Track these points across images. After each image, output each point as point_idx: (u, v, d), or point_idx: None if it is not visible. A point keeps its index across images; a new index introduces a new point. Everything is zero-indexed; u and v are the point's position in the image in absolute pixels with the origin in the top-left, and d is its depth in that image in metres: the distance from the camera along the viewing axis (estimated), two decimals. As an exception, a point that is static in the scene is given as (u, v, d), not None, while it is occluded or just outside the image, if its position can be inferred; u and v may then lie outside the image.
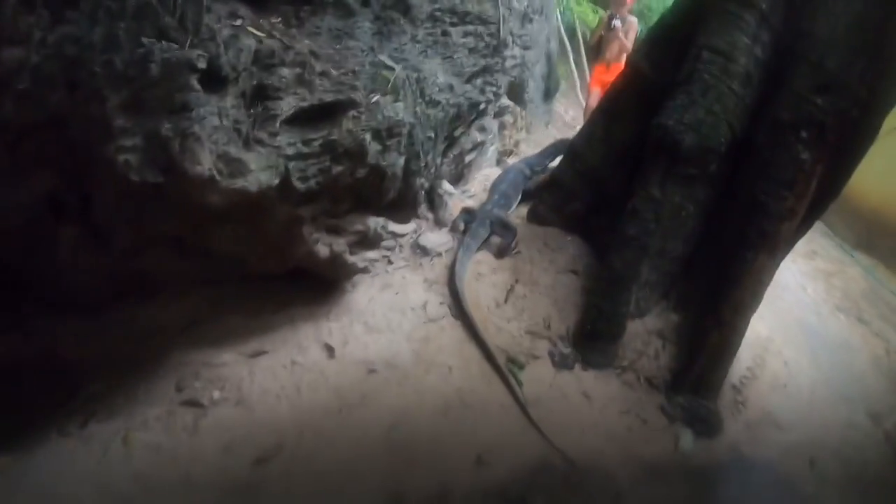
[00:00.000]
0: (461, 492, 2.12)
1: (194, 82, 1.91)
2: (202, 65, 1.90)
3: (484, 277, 3.00)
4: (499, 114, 3.67)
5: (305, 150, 2.21)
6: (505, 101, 3.69)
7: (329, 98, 2.30)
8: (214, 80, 1.97)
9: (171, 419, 2.13)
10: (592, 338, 2.78)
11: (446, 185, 3.27)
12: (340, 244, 2.54)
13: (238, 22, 2.13)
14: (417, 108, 2.65)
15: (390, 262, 2.95)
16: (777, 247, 2.70)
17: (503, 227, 3.12)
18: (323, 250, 2.47)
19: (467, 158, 3.37)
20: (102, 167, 1.93)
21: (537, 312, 2.89)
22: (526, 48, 3.71)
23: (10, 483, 1.87)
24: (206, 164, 1.93)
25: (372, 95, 2.44)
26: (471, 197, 3.45)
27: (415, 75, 2.67)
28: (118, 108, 1.86)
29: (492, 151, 3.63)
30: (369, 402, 2.36)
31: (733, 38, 2.68)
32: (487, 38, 3.18)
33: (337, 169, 2.31)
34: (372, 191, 2.52)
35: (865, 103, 2.61)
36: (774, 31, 2.73)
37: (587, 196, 3.17)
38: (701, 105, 2.68)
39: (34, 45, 1.85)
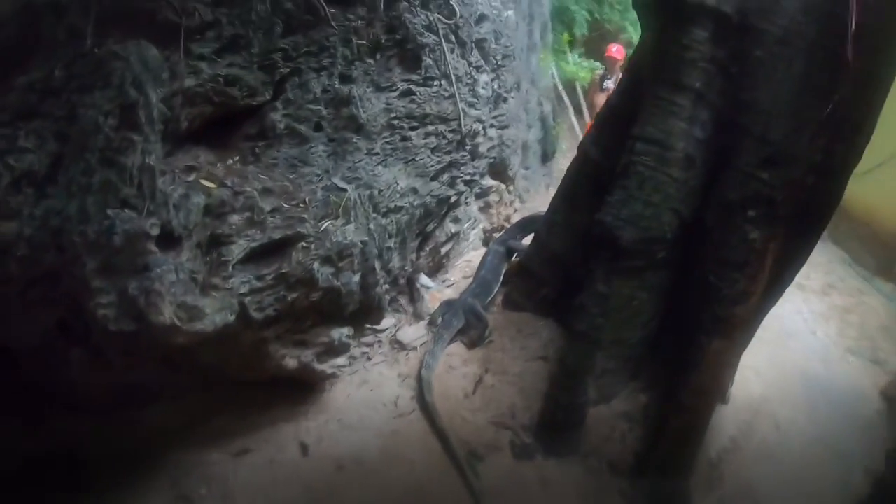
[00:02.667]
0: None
1: (151, 246, 2.39)
2: (156, 232, 2.38)
3: (455, 370, 3.37)
4: (482, 195, 4.03)
5: (259, 284, 2.67)
6: (488, 181, 4.04)
7: (278, 235, 2.75)
8: (169, 239, 2.45)
9: (164, 513, 2.68)
10: (553, 427, 3.07)
11: (423, 279, 3.67)
12: (308, 355, 2.98)
13: (192, 176, 2.62)
14: (371, 225, 3.05)
15: (369, 359, 3.37)
16: (733, 330, 2.89)
17: (476, 318, 3.46)
18: (291, 363, 2.92)
19: (443, 250, 3.75)
20: (88, 315, 2.52)
21: (503, 402, 3.22)
22: (503, 127, 4.03)
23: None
24: (167, 314, 2.40)
25: (322, 223, 2.87)
26: (451, 286, 3.83)
27: (367, 192, 3.07)
28: (94, 272, 2.35)
29: (473, 236, 3.99)
30: (335, 498, 2.79)
31: (667, 125, 2.89)
32: (450, 135, 3.55)
33: (292, 296, 2.75)
34: (332, 307, 2.93)
35: (822, 168, 2.72)
36: (714, 107, 2.90)
37: (555, 282, 3.47)
38: (638, 198, 2.92)
39: (25, 219, 2.36)
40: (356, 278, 2.94)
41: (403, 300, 3.62)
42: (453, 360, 3.40)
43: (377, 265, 3.08)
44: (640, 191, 2.92)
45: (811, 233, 2.91)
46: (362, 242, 2.95)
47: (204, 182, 2.64)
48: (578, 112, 5.67)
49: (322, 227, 2.83)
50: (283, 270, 2.72)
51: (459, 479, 2.88)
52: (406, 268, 3.48)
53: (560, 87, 5.36)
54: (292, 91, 2.98)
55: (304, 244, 2.77)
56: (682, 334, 3.04)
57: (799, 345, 3.96)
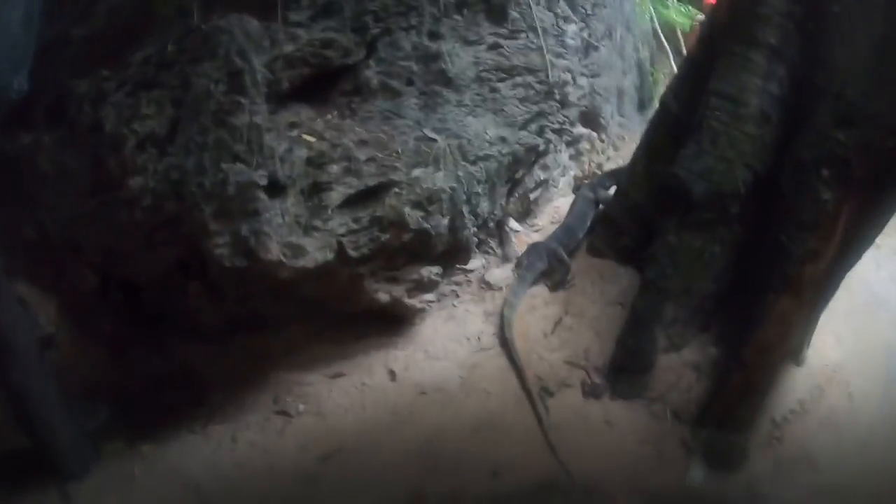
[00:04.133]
0: (472, 497, 2.90)
1: (260, 194, 2.85)
2: (264, 182, 2.84)
3: (536, 310, 3.64)
4: (573, 143, 4.21)
5: (355, 226, 3.09)
6: (579, 129, 4.20)
7: (373, 182, 3.16)
8: (275, 188, 2.91)
9: (266, 424, 3.21)
10: (622, 370, 3.31)
11: (512, 223, 3.94)
12: (399, 291, 3.37)
13: (294, 132, 3.04)
14: (459, 172, 3.36)
15: (458, 297, 3.71)
16: (801, 289, 2.97)
17: (558, 262, 3.70)
18: (383, 297, 3.32)
19: (532, 196, 3.98)
20: (206, 254, 3.06)
21: (579, 343, 3.48)
22: (594, 76, 4.16)
23: (150, 464, 3.07)
24: (274, 252, 2.87)
25: (413, 170, 3.23)
26: (538, 231, 4.06)
27: (456, 142, 3.37)
28: (211, 216, 2.84)
29: (563, 183, 4.18)
30: (415, 419, 3.20)
31: (741, 81, 2.97)
32: (538, 86, 3.75)
33: (385, 237, 3.15)
34: (421, 248, 3.31)
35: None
36: (790, 64, 2.95)
37: (635, 231, 3.64)
38: (711, 153, 3.05)
39: (149, 174, 2.87)
40: (445, 221, 3.28)
41: (493, 243, 3.90)
42: (536, 301, 3.67)
43: (465, 209, 3.39)
44: (714, 146, 3.03)
45: (887, 199, 2.89)
46: (451, 188, 3.27)
47: (305, 136, 3.06)
48: (680, 58, 5.60)
49: (413, 175, 3.19)
50: (377, 214, 3.11)
51: (530, 412, 3.20)
52: (495, 212, 3.76)
53: (659, 32, 5.33)
54: (384, 49, 3.33)
55: (397, 190, 3.14)
56: (753, 291, 3.15)
57: (889, 315, 3.84)
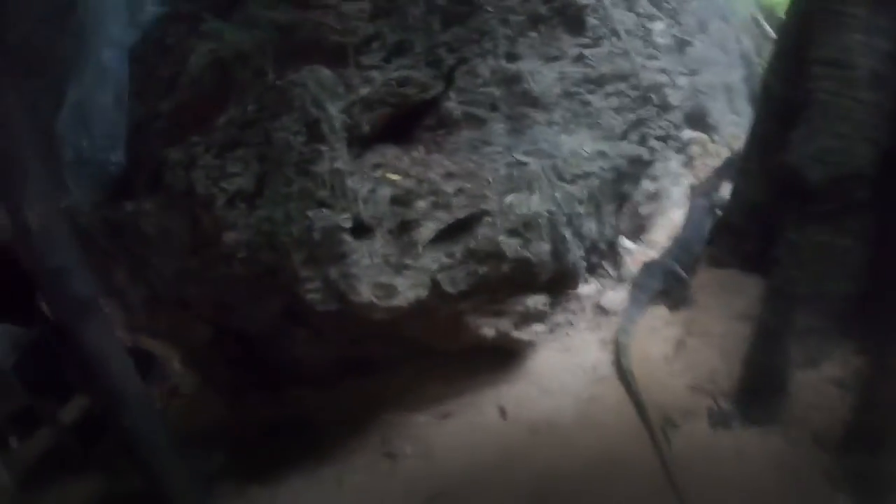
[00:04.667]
0: (587, 541, 2.72)
1: (346, 237, 2.87)
2: (348, 224, 2.86)
3: (656, 332, 3.40)
4: (682, 149, 3.94)
5: (449, 261, 3.03)
6: (686, 133, 3.94)
7: (463, 214, 3.09)
8: (362, 229, 2.92)
9: (373, 466, 3.21)
10: (752, 393, 2.97)
11: (625, 242, 3.73)
12: (505, 324, 3.26)
13: (378, 172, 3.07)
14: (557, 193, 3.24)
15: (572, 325, 3.56)
16: None
17: (675, 279, 3.46)
18: (489, 332, 3.23)
19: (643, 210, 3.76)
20: (300, 300, 3.11)
21: (705, 366, 3.18)
22: (694, 74, 3.89)
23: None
24: (364, 294, 2.87)
25: (506, 197, 3.14)
26: (654, 247, 3.82)
27: (550, 163, 3.26)
28: (301, 263, 2.90)
29: (677, 193, 3.92)
30: (527, 458, 3.03)
31: (842, 41, 2.61)
32: (632, 92, 3.57)
33: (483, 269, 3.06)
34: (525, 277, 3.19)
35: None
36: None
37: (757, 234, 3.29)
38: (823, 130, 2.70)
39: (241, 228, 2.99)
40: (546, 247, 3.15)
41: (606, 265, 3.72)
42: (655, 323, 3.44)
43: (568, 232, 3.25)
44: (825, 122, 2.68)
45: None
46: (548, 212, 3.15)
47: (389, 175, 3.07)
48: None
49: (506, 202, 3.10)
50: (472, 246, 3.04)
51: (651, 446, 2.95)
52: (605, 232, 3.59)
53: (761, 19, 4.91)
54: (462, 79, 3.30)
55: (489, 219, 3.06)
56: None
57: None
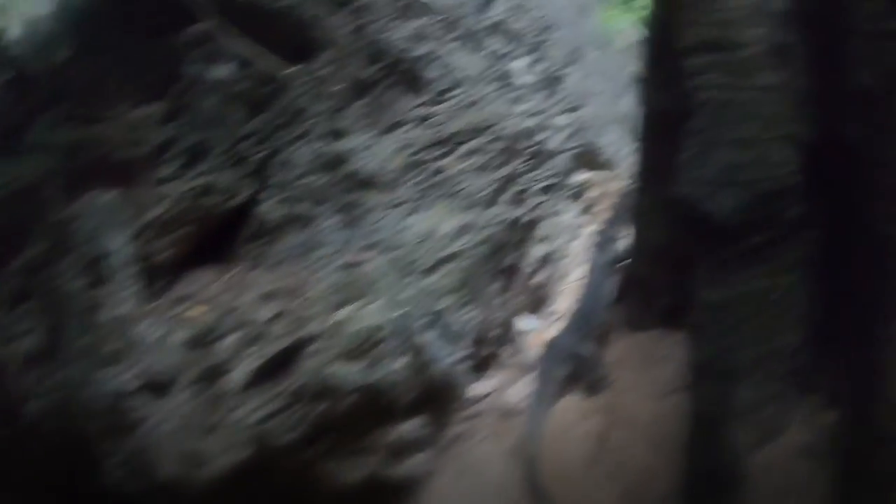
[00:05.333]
0: None
1: (138, 399, 2.36)
2: (136, 383, 2.35)
3: (572, 429, 2.76)
4: (575, 196, 3.39)
5: (276, 405, 2.43)
6: (578, 177, 3.40)
7: (283, 344, 2.51)
8: (157, 387, 2.39)
9: None
10: (700, 497, 2.32)
11: (522, 321, 3.13)
12: (373, 462, 2.62)
13: (178, 309, 2.55)
14: (407, 293, 2.65)
15: (467, 439, 2.93)
16: None
17: (581, 360, 2.85)
18: (354, 476, 2.59)
19: (537, 279, 3.18)
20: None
21: (636, 466, 2.54)
22: (572, 110, 3.39)
23: None
24: (168, 467, 2.31)
25: (336, 313, 2.56)
26: (559, 319, 3.20)
27: (394, 255, 2.70)
28: (98, 435, 2.38)
29: (576, 248, 3.34)
30: None
31: (722, 12, 2.01)
32: (493, 146, 3.01)
33: (320, 407, 2.46)
34: (379, 406, 2.57)
35: None
36: None
37: (670, 283, 2.66)
38: (719, 141, 2.08)
39: (39, 396, 2.52)
40: (397, 364, 2.56)
41: (505, 353, 3.12)
42: (569, 417, 2.80)
43: (431, 336, 2.67)
44: (720, 128, 2.08)
45: None
46: (393, 319, 2.57)
47: (188, 314, 2.56)
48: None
49: (336, 319, 2.54)
50: (298, 383, 2.46)
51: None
52: (493, 316, 3.00)
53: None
54: (276, 173, 2.80)
55: (316, 346, 2.49)
56: (866, 314, 2.10)
57: None
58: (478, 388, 3.00)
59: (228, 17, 2.89)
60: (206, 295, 2.62)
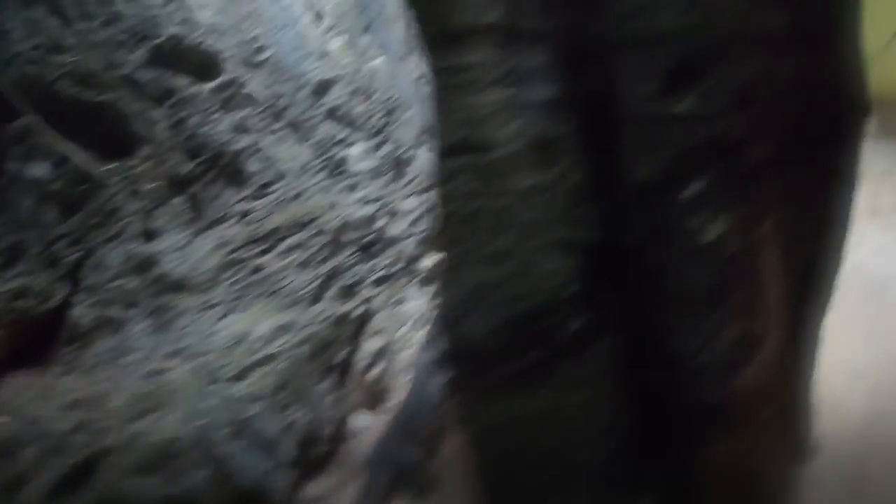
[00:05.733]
0: None
1: None
2: None
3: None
4: (427, 281, 3.25)
5: (73, 522, 2.53)
6: (427, 262, 3.24)
7: (82, 456, 2.44)
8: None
9: None
10: None
11: (359, 419, 3.06)
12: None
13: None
14: (210, 402, 2.62)
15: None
16: (742, 414, 2.16)
17: (403, 465, 2.82)
18: None
19: (373, 374, 3.09)
20: None
21: None
22: (423, 191, 3.15)
23: None
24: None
25: (134, 423, 2.54)
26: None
27: (200, 362, 2.69)
28: None
29: (420, 338, 3.23)
30: None
31: (472, 110, 1.93)
32: (317, 240, 2.94)
33: (120, 523, 2.56)
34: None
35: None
36: (534, 33, 1.97)
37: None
38: (468, 258, 2.02)
39: None
40: (200, 475, 2.54)
41: (342, 453, 3.01)
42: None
43: (237, 445, 2.64)
44: (470, 242, 1.97)
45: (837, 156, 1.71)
46: (192, 430, 2.57)
47: (-10, 425, 2.60)
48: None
49: (132, 431, 2.54)
50: (96, 496, 2.45)
51: None
52: (324, 416, 2.92)
53: None
54: (90, 275, 2.76)
55: (112, 458, 2.50)
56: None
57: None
58: (311, 489, 2.97)
59: (48, 112, 2.86)
60: (16, 403, 2.65)
